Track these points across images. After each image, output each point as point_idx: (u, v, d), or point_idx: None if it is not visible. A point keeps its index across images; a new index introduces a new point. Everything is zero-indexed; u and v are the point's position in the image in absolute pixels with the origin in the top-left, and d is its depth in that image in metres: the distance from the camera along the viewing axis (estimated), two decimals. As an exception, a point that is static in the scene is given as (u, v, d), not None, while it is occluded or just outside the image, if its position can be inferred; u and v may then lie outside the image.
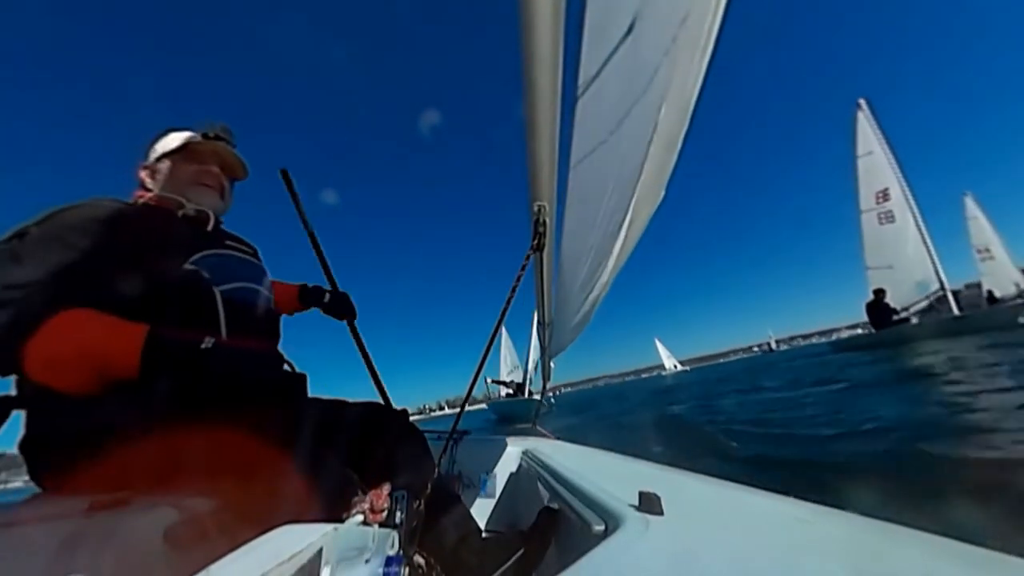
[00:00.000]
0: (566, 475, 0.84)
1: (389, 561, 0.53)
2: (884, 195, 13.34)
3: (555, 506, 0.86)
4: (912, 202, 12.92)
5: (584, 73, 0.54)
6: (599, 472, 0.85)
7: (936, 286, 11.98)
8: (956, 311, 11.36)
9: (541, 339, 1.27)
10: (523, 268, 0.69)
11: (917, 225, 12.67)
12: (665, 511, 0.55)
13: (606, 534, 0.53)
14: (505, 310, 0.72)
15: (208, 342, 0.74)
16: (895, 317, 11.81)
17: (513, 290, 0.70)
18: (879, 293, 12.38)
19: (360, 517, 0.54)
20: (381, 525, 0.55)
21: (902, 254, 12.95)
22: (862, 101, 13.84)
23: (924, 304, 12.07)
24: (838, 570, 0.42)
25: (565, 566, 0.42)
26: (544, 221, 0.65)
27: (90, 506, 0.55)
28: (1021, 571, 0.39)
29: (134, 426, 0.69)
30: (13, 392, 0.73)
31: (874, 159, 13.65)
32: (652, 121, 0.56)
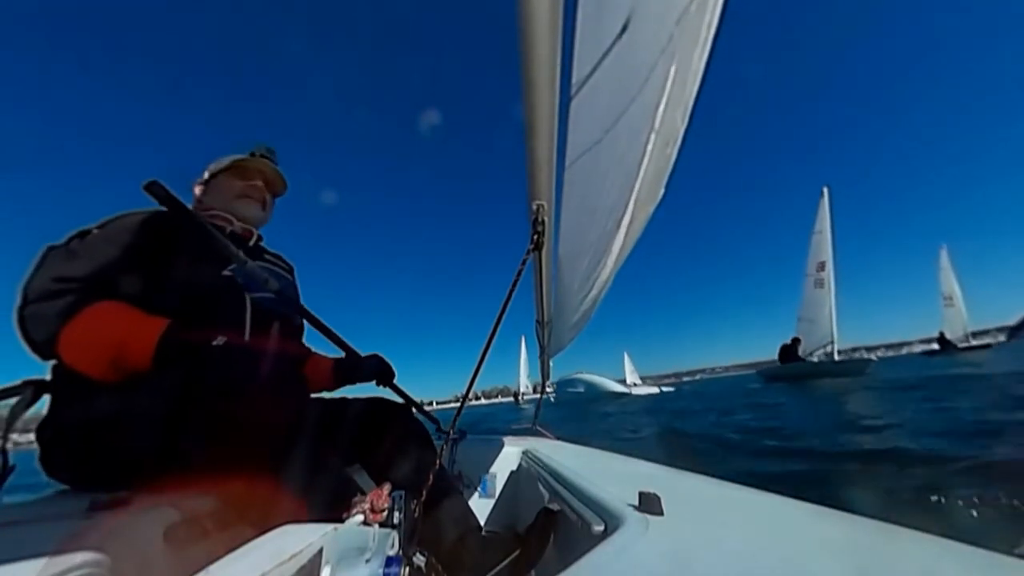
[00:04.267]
0: (566, 475, 0.84)
1: (389, 561, 0.53)
2: (821, 267, 18.32)
3: (554, 507, 0.86)
4: (832, 277, 17.98)
5: (578, 72, 0.54)
6: (599, 472, 0.85)
7: (829, 341, 17.29)
8: (836, 358, 16.60)
9: (539, 338, 1.27)
10: (522, 267, 0.69)
11: (831, 296, 17.73)
12: (665, 511, 0.55)
13: (606, 534, 0.53)
14: (504, 309, 0.72)
15: (220, 340, 0.78)
16: (799, 355, 17.51)
17: (512, 289, 0.70)
18: (796, 341, 18.06)
19: (360, 517, 0.53)
20: (381, 525, 0.55)
21: (821, 314, 17.91)
22: (825, 189, 18.62)
23: (821, 352, 17.49)
24: (838, 570, 0.42)
25: (565, 566, 0.42)
26: (543, 220, 0.65)
27: (90, 506, 0.55)
28: (1021, 571, 0.39)
29: (140, 419, 0.72)
30: (48, 377, 0.80)
31: (822, 236, 18.53)
32: (650, 119, 0.56)
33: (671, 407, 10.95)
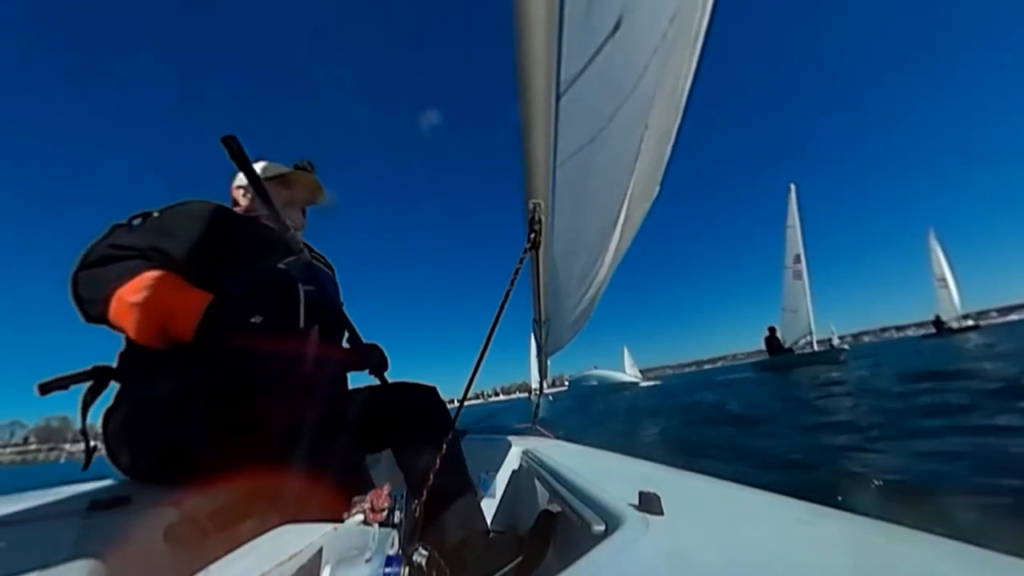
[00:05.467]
0: (566, 475, 0.84)
1: (389, 561, 0.53)
2: (797, 259, 19.57)
3: (554, 508, 0.86)
4: (806, 270, 19.18)
5: (567, 70, 0.54)
6: (599, 472, 0.85)
7: (806, 331, 18.66)
8: (815, 348, 17.83)
9: (537, 337, 1.27)
10: (519, 266, 0.69)
11: (806, 287, 19.03)
12: (665, 511, 0.55)
13: (606, 534, 0.53)
14: (502, 308, 0.72)
15: (257, 318, 0.82)
16: (784, 348, 18.59)
17: (509, 288, 0.70)
18: (772, 330, 19.05)
19: (360, 517, 0.53)
20: (381, 525, 0.55)
21: (802, 304, 19.00)
22: (792, 186, 20.06)
23: (803, 342, 18.73)
24: (838, 570, 0.42)
25: (565, 566, 0.41)
26: (540, 219, 0.64)
27: (90, 506, 0.55)
28: (1021, 571, 0.39)
29: (196, 405, 0.74)
30: (114, 364, 0.84)
31: (794, 231, 19.75)
32: (643, 117, 0.56)
33: (666, 389, 19.84)
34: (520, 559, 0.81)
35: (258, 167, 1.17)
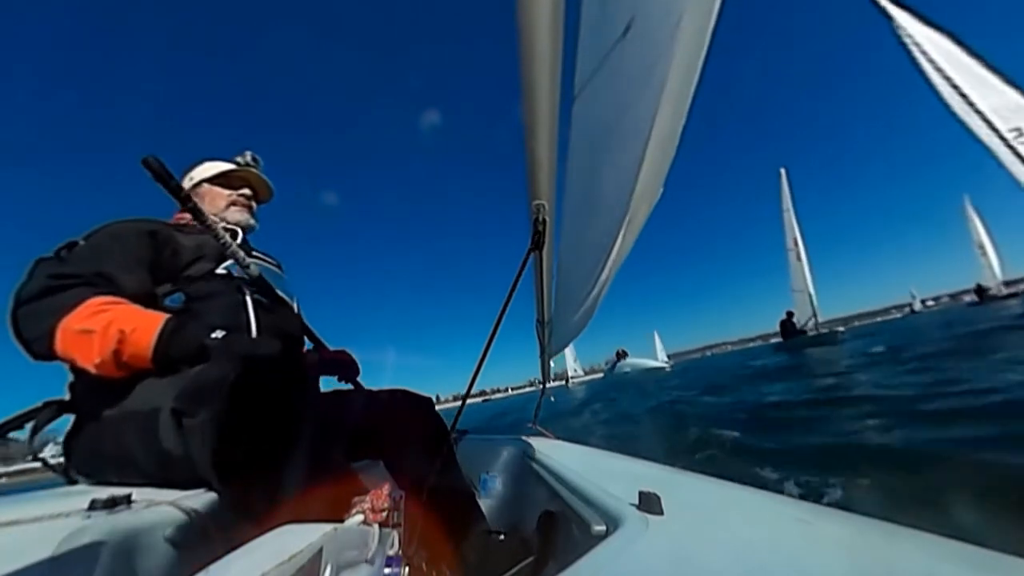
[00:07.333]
0: (566, 475, 0.84)
1: (389, 561, 0.53)
2: (795, 242, 20.48)
3: (554, 508, 0.85)
4: (804, 252, 20.14)
5: (581, 73, 0.54)
6: (599, 472, 0.85)
7: (810, 312, 19.34)
8: (817, 331, 18.28)
9: (540, 338, 1.27)
10: (523, 266, 0.69)
11: (805, 268, 19.90)
12: (665, 511, 0.55)
13: (606, 534, 0.53)
14: (504, 308, 0.72)
15: (218, 334, 0.78)
16: (797, 328, 19.20)
17: (512, 289, 0.71)
18: (790, 315, 19.70)
19: (360, 517, 0.53)
20: (381, 525, 0.55)
21: (806, 285, 19.74)
22: (782, 171, 20.77)
23: (811, 323, 19.18)
24: (838, 570, 0.42)
25: (565, 566, 0.41)
26: (543, 220, 0.65)
27: (90, 505, 0.55)
28: (1021, 571, 0.39)
29: (148, 419, 0.70)
30: (67, 397, 0.81)
31: (789, 215, 20.57)
32: (650, 120, 0.56)
33: (692, 367, 24.23)
34: (532, 559, 0.81)
35: (200, 169, 1.15)
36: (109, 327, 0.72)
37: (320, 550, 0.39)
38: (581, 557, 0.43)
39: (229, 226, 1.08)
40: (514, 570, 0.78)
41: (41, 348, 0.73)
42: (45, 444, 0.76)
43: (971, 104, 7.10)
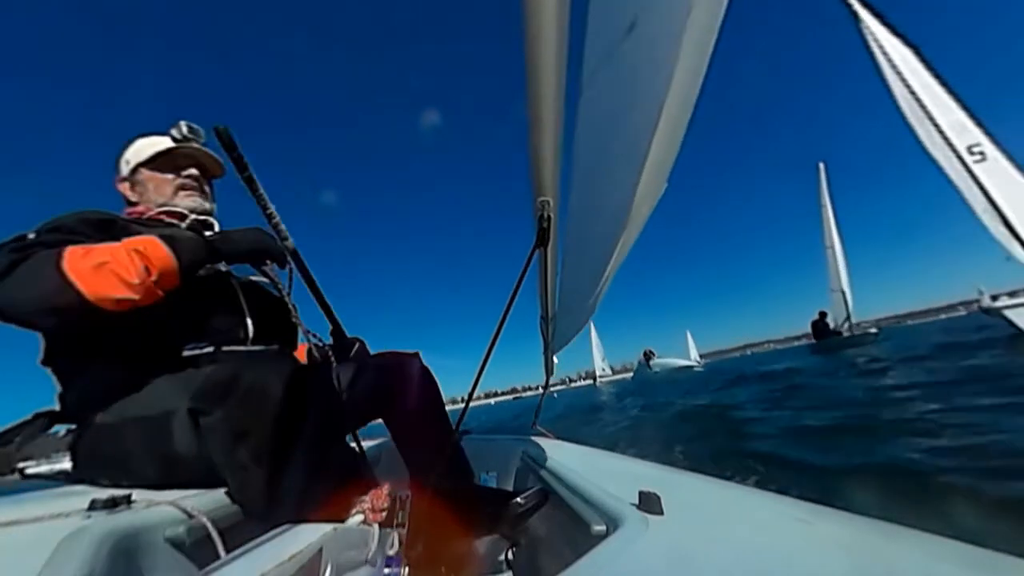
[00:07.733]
0: (566, 475, 0.84)
1: (389, 561, 0.53)
2: (832, 239, 19.28)
3: (554, 508, 0.86)
4: (841, 250, 19.17)
5: (588, 69, 0.54)
6: (599, 472, 0.85)
7: (846, 314, 18.53)
8: (851, 332, 17.56)
9: (543, 334, 1.27)
10: (527, 263, 0.69)
11: (839, 268, 19.07)
12: (665, 511, 0.55)
13: (606, 534, 0.53)
14: (509, 305, 0.72)
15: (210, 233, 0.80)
16: (831, 330, 18.44)
17: (517, 285, 0.70)
18: (823, 315, 18.74)
19: (360, 517, 0.53)
20: (381, 525, 0.55)
21: (839, 286, 18.82)
22: (821, 165, 19.73)
23: (845, 325, 18.44)
24: (838, 570, 0.42)
25: (565, 566, 0.41)
26: (548, 216, 0.64)
27: (90, 505, 0.55)
28: (1021, 571, 0.39)
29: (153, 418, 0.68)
30: (56, 407, 0.77)
31: (827, 211, 19.39)
32: (655, 116, 0.56)
33: (720, 368, 22.03)
34: (538, 500, 0.88)
35: (134, 149, 0.98)
36: (117, 251, 0.65)
37: (320, 550, 0.39)
38: (581, 557, 0.43)
39: (199, 217, 0.99)
40: (527, 505, 0.86)
41: (68, 297, 0.62)
42: (30, 457, 0.72)
43: (928, 114, 7.23)
